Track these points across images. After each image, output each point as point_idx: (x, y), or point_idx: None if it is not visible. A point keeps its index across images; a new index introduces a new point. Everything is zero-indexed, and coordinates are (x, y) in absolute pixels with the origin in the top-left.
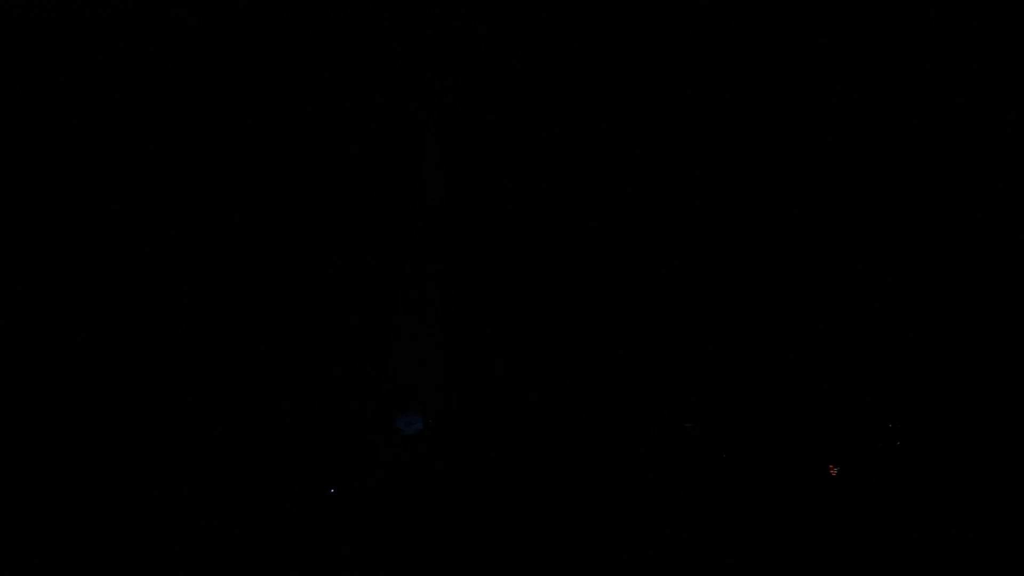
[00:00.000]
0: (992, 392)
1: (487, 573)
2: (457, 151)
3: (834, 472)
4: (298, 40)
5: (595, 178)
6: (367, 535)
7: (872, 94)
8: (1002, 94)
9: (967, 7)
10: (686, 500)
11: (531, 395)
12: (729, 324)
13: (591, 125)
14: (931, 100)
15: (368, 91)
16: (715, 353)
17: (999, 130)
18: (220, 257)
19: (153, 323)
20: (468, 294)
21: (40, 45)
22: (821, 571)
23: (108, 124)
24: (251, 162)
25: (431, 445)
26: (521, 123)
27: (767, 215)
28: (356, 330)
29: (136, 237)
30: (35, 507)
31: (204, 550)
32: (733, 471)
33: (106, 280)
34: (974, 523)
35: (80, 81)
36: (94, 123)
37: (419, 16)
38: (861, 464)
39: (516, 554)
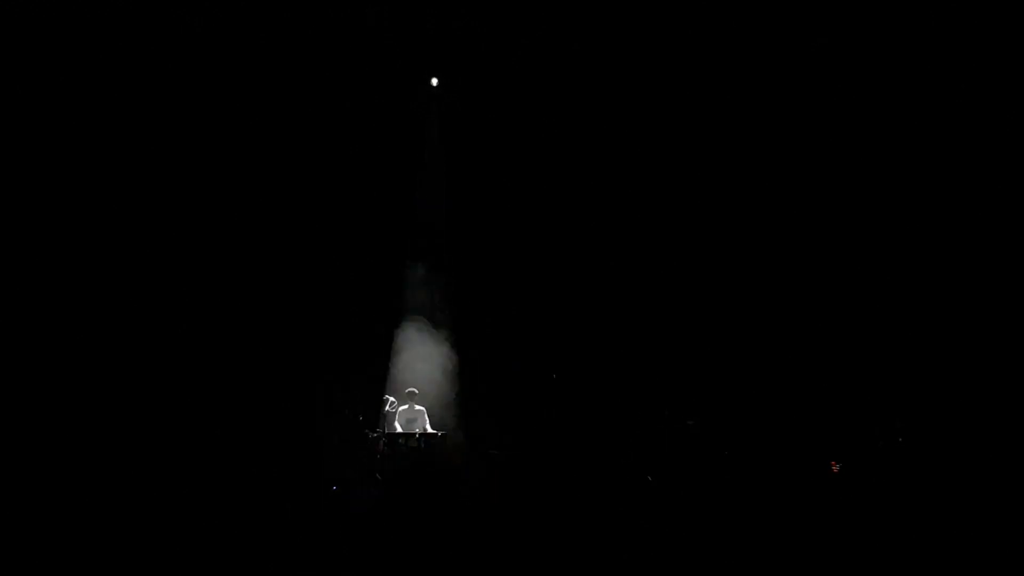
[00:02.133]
0: (991, 392)
1: (488, 572)
2: (457, 151)
3: (836, 469)
4: (298, 40)
5: (596, 178)
6: (367, 535)
7: (871, 94)
8: (1002, 94)
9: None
10: (687, 498)
11: (533, 393)
12: (730, 324)
13: (591, 125)
14: (930, 100)
15: (368, 91)
16: (716, 353)
17: (999, 130)
18: (225, 260)
19: (156, 325)
20: (469, 293)
21: (40, 45)
22: (822, 569)
23: (108, 125)
24: (250, 162)
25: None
26: (521, 123)
27: (766, 216)
28: (357, 329)
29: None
30: (37, 507)
31: (204, 549)
32: (734, 468)
33: (107, 280)
34: (974, 522)
35: (81, 81)
36: (95, 124)
37: (419, 16)
38: (861, 462)
39: (517, 554)
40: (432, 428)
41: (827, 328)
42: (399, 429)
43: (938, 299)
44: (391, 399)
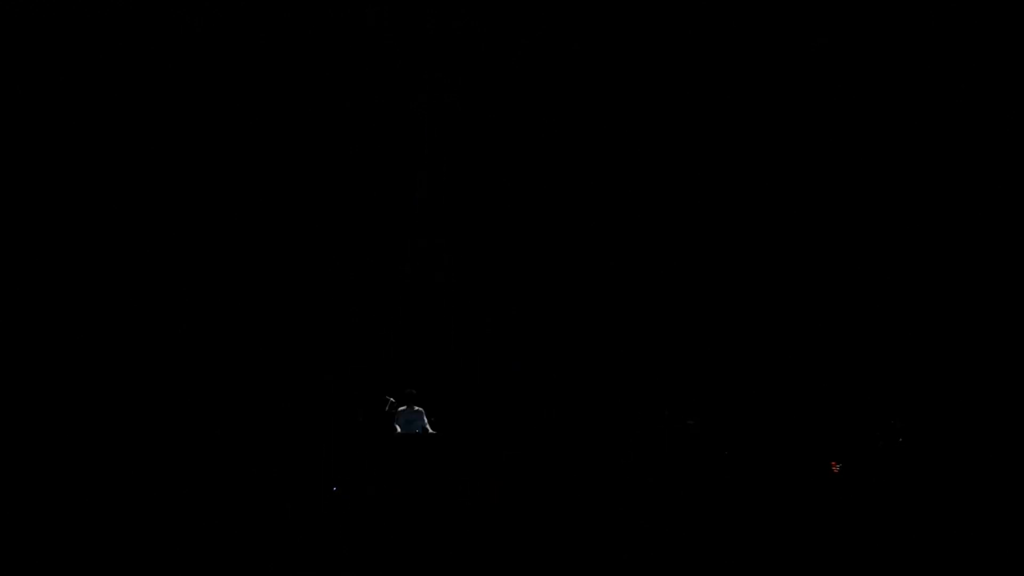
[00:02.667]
0: (991, 392)
1: (489, 573)
2: (456, 150)
3: (836, 469)
4: (298, 40)
5: (595, 178)
6: (367, 535)
7: (871, 94)
8: (1001, 94)
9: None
10: (687, 498)
11: (534, 393)
12: (730, 323)
13: (591, 125)
14: (930, 101)
15: (368, 91)
16: (716, 352)
17: (999, 130)
18: (221, 258)
19: (156, 325)
20: (469, 292)
21: (40, 45)
22: (823, 568)
23: (108, 125)
24: (251, 162)
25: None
26: (521, 122)
27: (766, 216)
28: (355, 328)
29: (137, 238)
30: (36, 506)
31: (204, 549)
32: (735, 468)
33: (106, 280)
34: (974, 522)
35: (80, 81)
36: (94, 123)
37: (419, 16)
38: (861, 462)
39: (518, 553)
40: (432, 429)
41: (827, 328)
42: (399, 430)
43: (937, 299)
44: (391, 399)
